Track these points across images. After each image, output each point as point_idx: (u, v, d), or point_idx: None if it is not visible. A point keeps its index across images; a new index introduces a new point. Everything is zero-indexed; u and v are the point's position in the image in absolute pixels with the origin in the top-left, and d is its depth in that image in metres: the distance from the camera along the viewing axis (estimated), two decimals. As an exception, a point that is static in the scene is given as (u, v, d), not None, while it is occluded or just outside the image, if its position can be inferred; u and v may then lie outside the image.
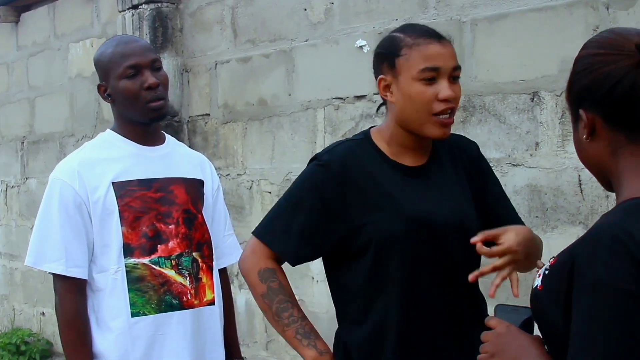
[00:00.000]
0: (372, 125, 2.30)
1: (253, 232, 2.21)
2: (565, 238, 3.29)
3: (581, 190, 3.27)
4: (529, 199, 3.43)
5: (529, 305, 1.52)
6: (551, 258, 1.47)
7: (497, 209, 2.27)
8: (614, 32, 1.49)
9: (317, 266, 4.30)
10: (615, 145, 1.45)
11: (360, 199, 2.09)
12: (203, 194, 2.69)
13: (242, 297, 4.74)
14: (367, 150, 2.16)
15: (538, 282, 1.46)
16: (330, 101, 4.25)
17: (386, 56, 2.11)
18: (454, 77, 2.09)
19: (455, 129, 3.60)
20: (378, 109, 2.27)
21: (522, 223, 2.27)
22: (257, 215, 4.60)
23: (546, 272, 1.44)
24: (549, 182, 3.37)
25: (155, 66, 2.53)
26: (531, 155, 3.43)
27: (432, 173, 2.17)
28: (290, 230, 2.13)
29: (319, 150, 4.27)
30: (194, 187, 2.67)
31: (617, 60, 1.41)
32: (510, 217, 2.26)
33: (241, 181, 4.76)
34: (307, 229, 2.11)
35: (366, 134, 2.21)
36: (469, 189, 2.22)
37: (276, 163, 4.55)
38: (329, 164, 2.12)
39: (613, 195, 3.08)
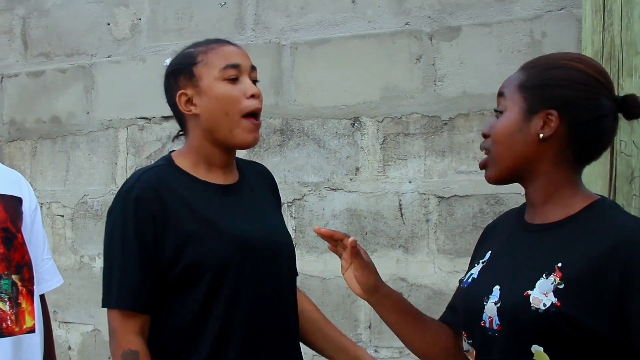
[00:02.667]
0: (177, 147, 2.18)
1: (104, 305, 2.02)
2: (386, 261, 3.35)
3: (401, 215, 3.35)
4: (348, 223, 3.46)
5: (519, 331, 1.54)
6: (545, 274, 1.52)
7: None
8: (601, 70, 1.65)
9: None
10: (561, 157, 1.60)
11: (179, 229, 1.96)
12: (22, 212, 2.46)
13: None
14: (173, 175, 2.03)
15: (547, 300, 1.49)
16: (135, 121, 4.07)
17: (181, 69, 2.05)
18: (254, 79, 2.06)
19: (272, 153, 3.64)
20: (177, 135, 2.16)
21: None
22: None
23: (560, 287, 1.48)
24: (368, 206, 3.42)
25: None
26: (351, 179, 3.47)
27: (244, 192, 2.10)
28: (134, 281, 1.97)
29: (120, 172, 4.13)
30: (13, 205, 2.42)
31: (608, 98, 1.60)
32: None
33: (28, 204, 4.41)
34: (148, 273, 1.96)
35: (168, 159, 2.09)
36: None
37: (70, 185, 4.29)
38: (140, 197, 1.97)
39: (433, 219, 3.26)
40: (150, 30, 4.05)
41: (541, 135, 1.58)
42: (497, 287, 1.59)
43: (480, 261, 1.72)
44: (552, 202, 1.61)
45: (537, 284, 1.51)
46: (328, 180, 3.52)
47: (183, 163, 2.05)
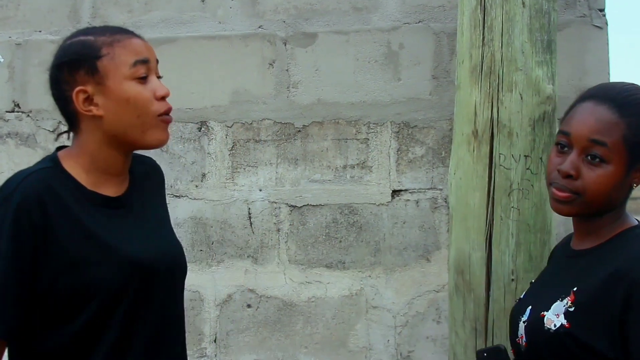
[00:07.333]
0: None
1: None
2: (233, 272, 3.25)
3: (251, 224, 3.25)
4: (193, 232, 3.31)
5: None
6: (561, 297, 1.63)
7: None
8: None
9: None
10: (629, 194, 1.72)
11: (62, 248, 1.72)
12: None
13: None
14: (60, 181, 1.77)
15: (558, 321, 1.59)
16: (-51, 117, 3.70)
17: (80, 62, 1.77)
18: (158, 76, 1.86)
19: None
20: (67, 134, 1.88)
21: None
22: None
23: (570, 309, 1.59)
24: (215, 214, 3.29)
25: None
26: (197, 186, 3.32)
27: (134, 203, 1.88)
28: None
29: None
30: None
31: None
32: None
33: None
34: (17, 295, 1.69)
35: (55, 160, 1.82)
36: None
37: None
38: (21, 206, 1.70)
39: (285, 229, 3.20)
40: (-30, 18, 3.70)
41: (635, 185, 1.67)
42: (530, 307, 1.71)
43: (533, 281, 1.88)
44: (597, 230, 1.69)
45: (553, 306, 1.63)
46: (171, 186, 3.33)
47: (72, 167, 1.80)
